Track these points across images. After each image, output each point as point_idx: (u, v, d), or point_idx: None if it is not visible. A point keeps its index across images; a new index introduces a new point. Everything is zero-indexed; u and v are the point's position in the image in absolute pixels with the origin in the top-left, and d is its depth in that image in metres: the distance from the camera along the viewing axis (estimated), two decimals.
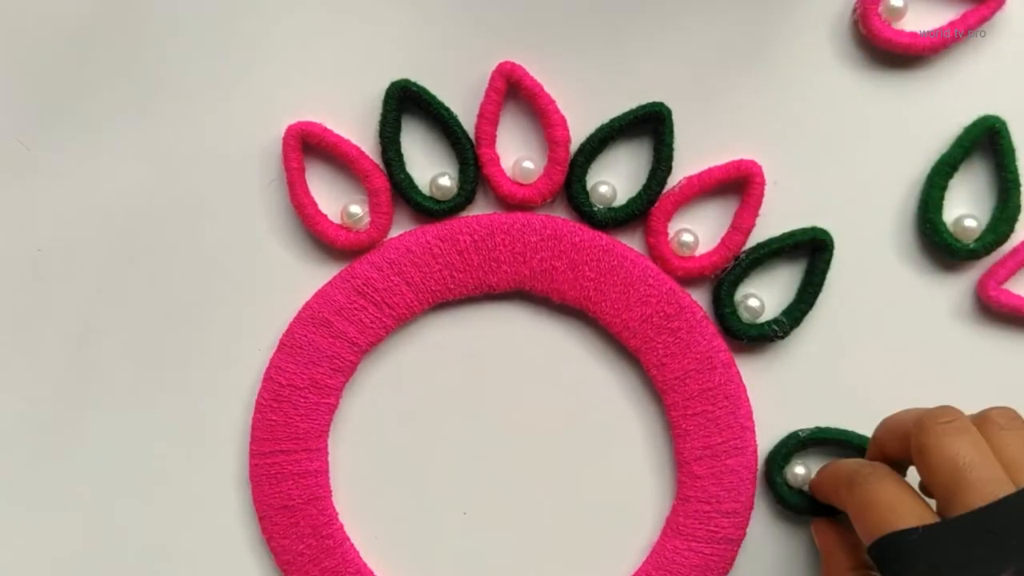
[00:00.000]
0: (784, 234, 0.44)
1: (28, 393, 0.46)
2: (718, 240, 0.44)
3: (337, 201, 0.45)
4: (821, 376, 0.45)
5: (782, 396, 0.45)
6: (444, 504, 0.46)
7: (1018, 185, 0.43)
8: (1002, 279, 0.43)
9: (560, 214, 0.45)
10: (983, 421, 0.35)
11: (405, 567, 0.46)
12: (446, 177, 0.44)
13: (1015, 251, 0.44)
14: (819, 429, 0.44)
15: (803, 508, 0.44)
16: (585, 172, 0.44)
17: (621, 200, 0.44)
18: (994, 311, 0.44)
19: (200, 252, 0.45)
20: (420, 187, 0.44)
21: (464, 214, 0.45)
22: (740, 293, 0.45)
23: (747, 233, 0.44)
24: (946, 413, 0.35)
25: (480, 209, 0.45)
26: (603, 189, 0.44)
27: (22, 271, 0.45)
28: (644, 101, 0.44)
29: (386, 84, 0.43)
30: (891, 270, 0.45)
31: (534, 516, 0.46)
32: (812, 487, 0.43)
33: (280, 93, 0.44)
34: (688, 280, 0.45)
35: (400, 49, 0.44)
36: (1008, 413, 0.35)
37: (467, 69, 0.44)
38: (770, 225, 0.44)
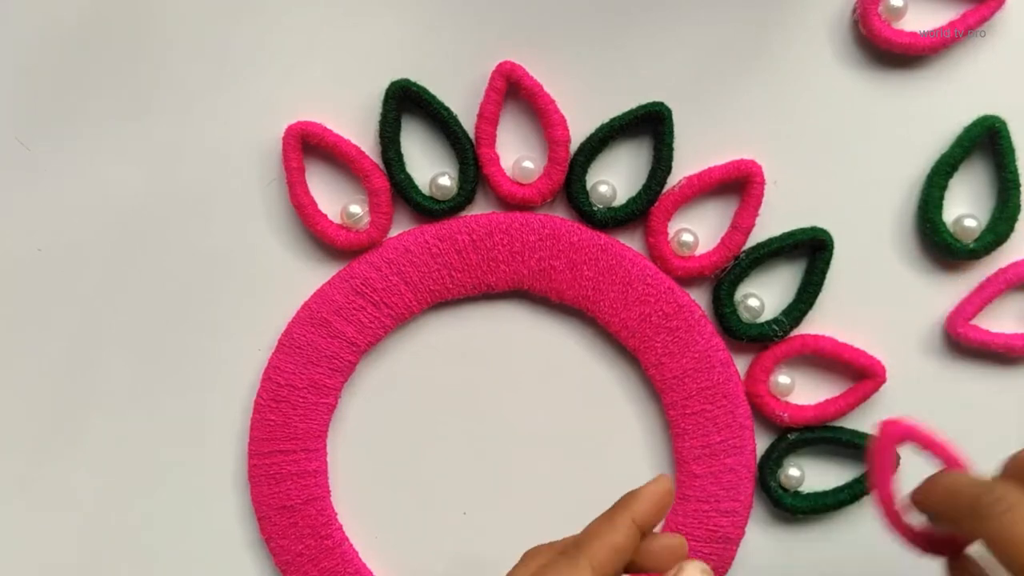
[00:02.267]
0: (784, 234, 0.44)
1: (28, 393, 0.46)
2: (718, 240, 0.44)
3: (337, 201, 0.45)
4: (820, 376, 0.45)
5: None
6: (444, 504, 0.46)
7: (1018, 185, 0.43)
8: (970, 315, 0.44)
9: (560, 214, 0.45)
10: None
11: (404, 567, 0.46)
12: (446, 177, 0.44)
13: (981, 287, 0.44)
14: (808, 428, 0.44)
15: (801, 509, 0.44)
16: (585, 172, 0.44)
17: (621, 200, 0.44)
18: (964, 347, 0.44)
19: (200, 252, 0.45)
20: (420, 187, 0.44)
21: (464, 214, 0.45)
22: (740, 293, 0.45)
23: (747, 233, 0.44)
24: (997, 495, 0.33)
25: (480, 209, 0.45)
26: (603, 189, 0.44)
27: (22, 271, 0.45)
28: (644, 101, 0.44)
29: (386, 84, 0.43)
30: (891, 270, 0.45)
31: (533, 516, 0.46)
32: (917, 502, 0.37)
33: (280, 93, 0.44)
34: (688, 280, 0.45)
35: (400, 49, 0.44)
36: None
37: (467, 69, 0.44)
38: (770, 225, 0.44)
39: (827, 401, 0.44)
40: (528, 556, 0.35)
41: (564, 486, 0.46)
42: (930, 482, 0.35)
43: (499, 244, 0.44)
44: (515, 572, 0.35)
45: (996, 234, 0.43)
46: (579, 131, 0.44)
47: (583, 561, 0.33)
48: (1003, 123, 0.43)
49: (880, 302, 0.45)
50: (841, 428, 0.45)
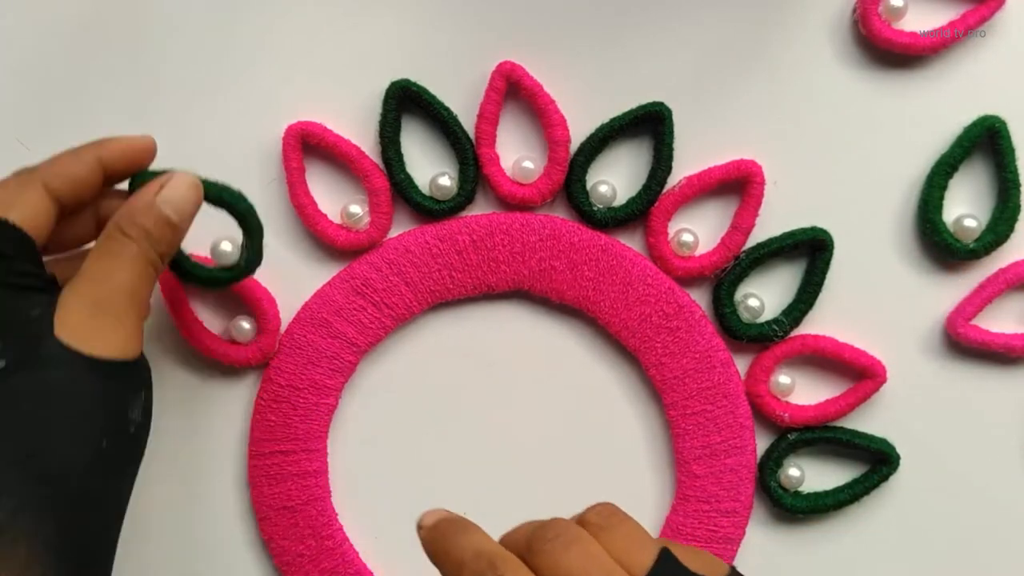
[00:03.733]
0: (784, 234, 0.44)
1: None
2: (718, 240, 0.44)
3: (337, 201, 0.45)
4: (820, 376, 0.45)
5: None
6: (444, 504, 0.46)
7: (1018, 185, 0.43)
8: (970, 315, 0.44)
9: (560, 214, 0.45)
10: (584, 525, 0.32)
11: (405, 567, 0.46)
12: (446, 177, 0.44)
13: (981, 287, 0.44)
14: (808, 428, 0.44)
15: (801, 509, 0.44)
16: (585, 172, 0.44)
17: (621, 200, 0.44)
18: (964, 347, 0.44)
19: (199, 252, 0.45)
20: (420, 187, 0.44)
21: (464, 214, 0.45)
22: (740, 293, 0.45)
23: (747, 233, 0.44)
24: (551, 528, 0.31)
25: (480, 209, 0.45)
26: (603, 189, 0.44)
27: None
28: (644, 101, 0.44)
29: (386, 84, 0.43)
30: (891, 270, 0.45)
31: (533, 516, 0.46)
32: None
33: (280, 93, 0.44)
34: (688, 280, 0.45)
35: (400, 49, 0.44)
36: (604, 510, 0.32)
37: (467, 69, 0.44)
38: (770, 225, 0.44)
39: (827, 401, 0.44)
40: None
41: (564, 486, 0.46)
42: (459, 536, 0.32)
43: (499, 244, 0.44)
44: None
45: (996, 234, 0.43)
46: (579, 131, 0.44)
47: (36, 176, 0.35)
48: (1003, 123, 0.43)
49: (880, 302, 0.45)
50: (841, 428, 0.45)
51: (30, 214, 0.34)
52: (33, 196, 0.35)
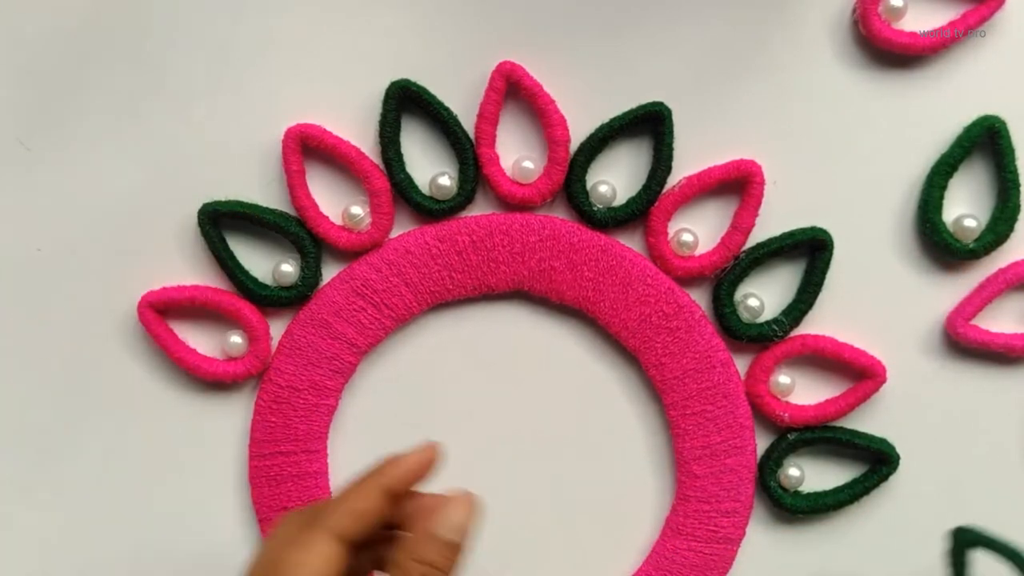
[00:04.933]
0: (784, 234, 0.44)
1: (27, 393, 0.46)
2: (718, 240, 0.44)
3: (338, 202, 0.45)
4: (820, 376, 0.45)
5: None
6: None
7: (1018, 185, 0.43)
8: (970, 315, 0.44)
9: (560, 214, 0.45)
10: None
11: None
12: (446, 177, 0.44)
13: (981, 287, 0.44)
14: (808, 428, 0.44)
15: (801, 509, 0.45)
16: (585, 172, 0.44)
17: (621, 200, 0.44)
18: (964, 346, 0.44)
19: (200, 253, 0.45)
20: (420, 187, 0.44)
21: (464, 214, 0.45)
22: (740, 293, 0.45)
23: (747, 233, 0.44)
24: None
25: (480, 209, 0.45)
26: (603, 189, 0.44)
27: (22, 271, 0.45)
28: (644, 101, 0.44)
29: (386, 84, 0.43)
30: (891, 270, 0.45)
31: (534, 516, 0.46)
32: None
33: (280, 94, 0.44)
34: (688, 280, 0.45)
35: (400, 49, 0.44)
36: None
37: (467, 69, 0.44)
38: (770, 225, 0.44)
39: (827, 401, 0.44)
40: (282, 521, 0.36)
41: (565, 486, 0.46)
42: None
43: (499, 245, 0.44)
44: (267, 542, 0.35)
45: (996, 234, 0.43)
46: (579, 131, 0.44)
47: (323, 525, 0.34)
48: (1003, 123, 0.43)
49: (880, 302, 0.45)
50: (841, 428, 0.45)
51: (323, 569, 0.34)
52: (324, 549, 0.34)
